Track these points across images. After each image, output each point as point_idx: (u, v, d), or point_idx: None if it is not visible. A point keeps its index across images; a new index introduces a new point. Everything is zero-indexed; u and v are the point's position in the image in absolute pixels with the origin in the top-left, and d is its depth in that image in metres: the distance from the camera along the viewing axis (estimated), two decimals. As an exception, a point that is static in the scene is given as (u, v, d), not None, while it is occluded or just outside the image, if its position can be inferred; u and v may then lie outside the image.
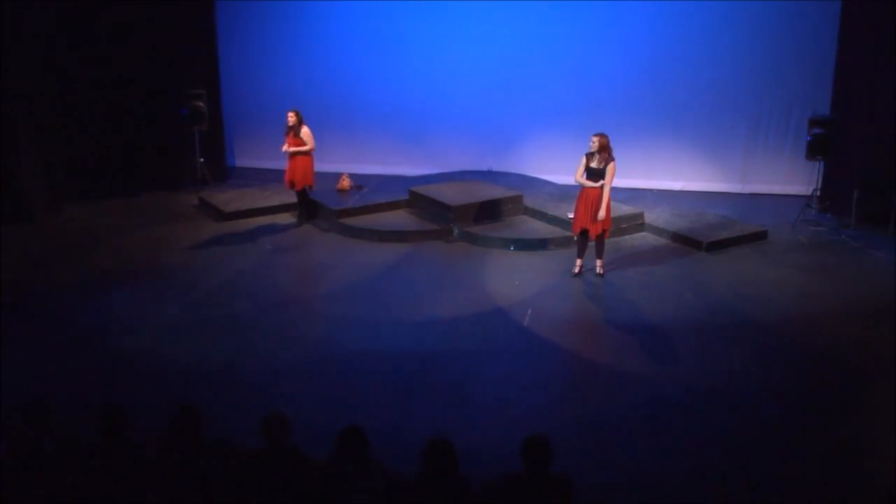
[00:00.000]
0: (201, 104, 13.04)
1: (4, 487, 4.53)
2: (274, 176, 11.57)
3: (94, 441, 4.76)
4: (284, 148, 11.28)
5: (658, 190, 13.13)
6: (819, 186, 11.92)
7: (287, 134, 11.27)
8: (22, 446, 4.72)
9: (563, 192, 12.07)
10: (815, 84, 12.42)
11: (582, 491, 4.79)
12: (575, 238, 9.87)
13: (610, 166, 9.22)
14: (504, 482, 4.48)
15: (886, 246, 10.82)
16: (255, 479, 4.61)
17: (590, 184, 9.32)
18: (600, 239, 9.60)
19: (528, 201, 11.90)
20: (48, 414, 4.79)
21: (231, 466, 4.68)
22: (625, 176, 12.85)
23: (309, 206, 11.75)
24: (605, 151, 9.22)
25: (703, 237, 10.81)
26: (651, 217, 11.52)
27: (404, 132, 14.14)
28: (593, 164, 9.28)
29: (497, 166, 13.89)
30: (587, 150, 9.31)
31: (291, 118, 11.20)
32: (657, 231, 11.28)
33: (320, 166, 14.08)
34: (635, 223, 11.39)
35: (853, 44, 11.78)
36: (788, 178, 12.96)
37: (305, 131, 11.21)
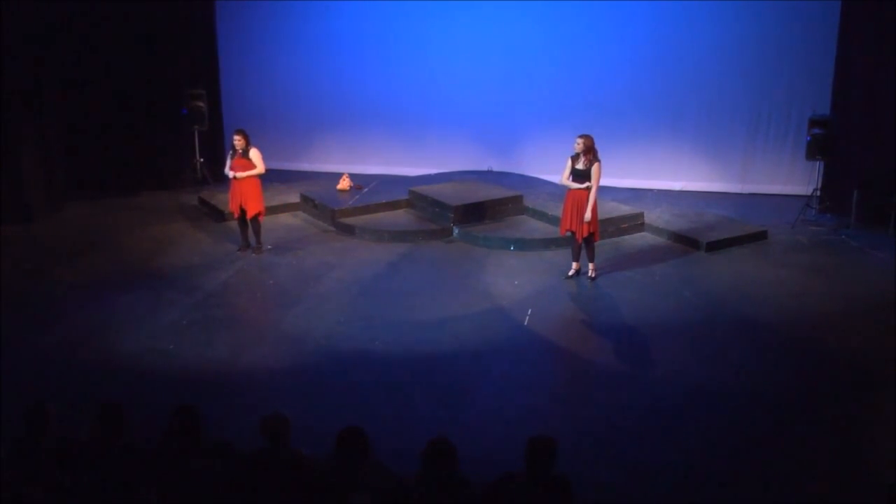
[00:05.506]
0: (201, 104, 13.06)
1: (4, 487, 4.53)
2: (273, 176, 11.53)
3: (94, 441, 4.76)
4: (230, 172, 10.15)
5: (658, 190, 13.12)
6: (819, 186, 11.92)
7: (232, 157, 10.17)
8: (22, 446, 4.72)
9: (564, 192, 12.01)
10: (815, 84, 12.41)
11: (582, 491, 4.78)
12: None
13: (595, 167, 9.18)
14: (504, 483, 4.48)
15: (886, 246, 10.81)
16: (254, 480, 4.61)
17: (575, 185, 9.30)
18: (589, 242, 9.55)
19: (528, 201, 11.90)
20: (48, 414, 4.79)
21: (231, 467, 4.67)
22: (625, 176, 12.93)
23: (258, 233, 10.54)
24: (589, 153, 9.18)
25: (702, 237, 10.81)
26: (651, 217, 11.51)
27: (404, 132, 14.16)
28: (578, 166, 9.26)
29: (497, 166, 13.91)
30: (572, 152, 9.30)
31: (239, 141, 10.08)
32: (657, 231, 11.28)
33: (321, 166, 14.17)
34: (635, 223, 11.38)
35: (853, 44, 11.78)
36: (788, 178, 12.97)
37: (255, 153, 10.13)
